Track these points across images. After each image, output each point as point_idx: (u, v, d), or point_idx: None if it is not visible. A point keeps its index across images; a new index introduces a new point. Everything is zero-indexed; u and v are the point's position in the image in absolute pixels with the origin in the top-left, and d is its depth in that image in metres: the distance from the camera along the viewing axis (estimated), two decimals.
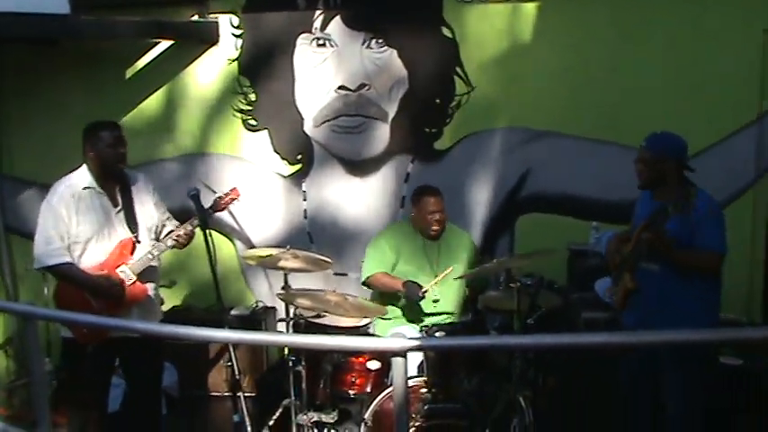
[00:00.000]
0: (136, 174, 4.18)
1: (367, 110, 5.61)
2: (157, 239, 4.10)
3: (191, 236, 4.03)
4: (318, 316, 4.36)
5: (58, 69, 5.82)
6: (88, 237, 3.89)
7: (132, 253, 3.95)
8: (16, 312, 3.53)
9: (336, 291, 4.24)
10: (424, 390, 3.84)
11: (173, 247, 4.01)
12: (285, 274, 4.22)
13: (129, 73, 5.87)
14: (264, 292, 5.92)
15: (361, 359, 4.21)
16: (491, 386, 4.08)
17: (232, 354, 4.00)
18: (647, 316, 3.70)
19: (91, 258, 3.91)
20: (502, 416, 3.89)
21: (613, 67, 5.26)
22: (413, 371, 4.05)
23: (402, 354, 2.48)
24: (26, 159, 5.94)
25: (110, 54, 5.79)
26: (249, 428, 4.04)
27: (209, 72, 5.81)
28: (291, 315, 4.21)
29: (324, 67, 5.64)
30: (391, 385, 3.24)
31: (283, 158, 5.82)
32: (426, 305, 4.56)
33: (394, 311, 4.61)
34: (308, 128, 5.73)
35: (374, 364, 4.19)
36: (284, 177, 5.84)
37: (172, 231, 4.06)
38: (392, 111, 5.60)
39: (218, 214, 5.71)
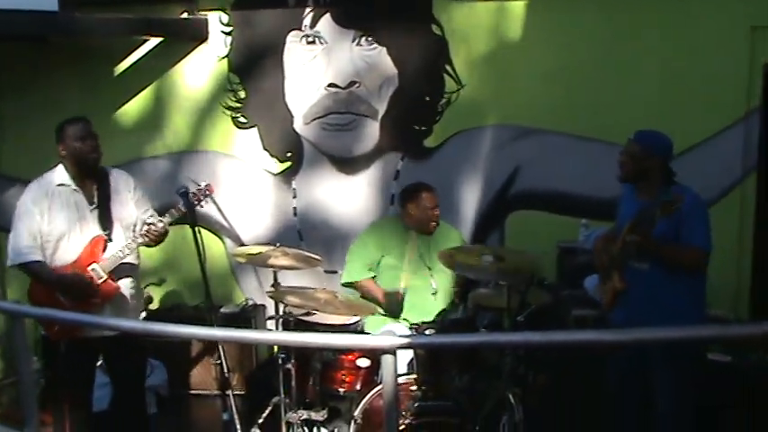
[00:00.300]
0: (116, 171, 4.13)
1: (357, 107, 5.61)
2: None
3: (160, 233, 3.94)
4: (308, 314, 4.36)
5: (48, 67, 5.79)
6: (60, 234, 3.86)
7: (104, 251, 3.89)
8: (3, 310, 3.50)
9: (326, 288, 4.24)
10: (414, 387, 3.84)
11: (143, 244, 3.94)
12: (275, 272, 4.21)
13: (119, 70, 5.85)
14: (254, 289, 5.91)
15: (350, 357, 4.21)
16: (481, 383, 4.08)
17: (221, 352, 3.99)
18: (635, 314, 3.71)
19: (64, 256, 3.88)
20: (492, 413, 3.89)
21: (602, 64, 5.28)
22: (403, 368, 4.06)
23: (392, 351, 2.48)
24: (16, 157, 5.90)
25: (99, 51, 5.76)
26: (238, 427, 4.03)
27: (199, 69, 5.80)
28: (281, 313, 4.21)
29: (314, 65, 5.64)
30: (381, 383, 3.24)
31: (273, 156, 5.81)
32: (426, 298, 4.58)
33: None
34: (298, 125, 5.73)
35: (364, 362, 4.19)
36: (274, 175, 5.83)
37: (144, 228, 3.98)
38: (382, 108, 5.60)
39: (207, 212, 5.79)
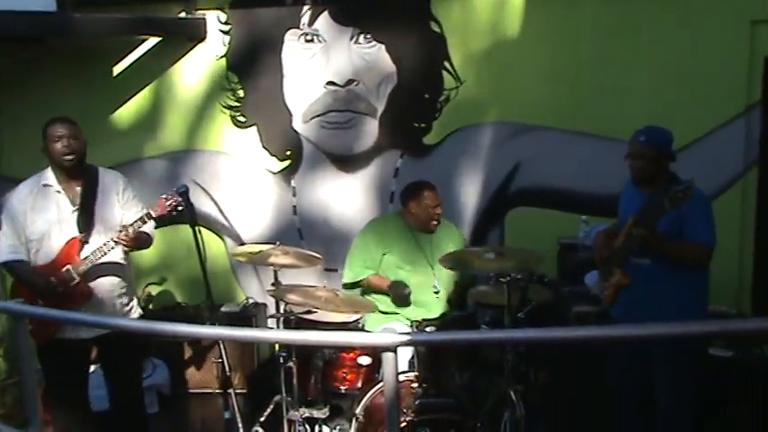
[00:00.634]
0: (107, 171, 4.09)
1: (356, 105, 5.61)
2: None
3: (134, 238, 3.84)
4: (309, 312, 4.36)
5: (46, 67, 5.79)
6: (41, 234, 3.85)
7: (79, 253, 3.85)
8: (5, 311, 3.50)
9: (327, 286, 4.24)
10: (416, 384, 3.84)
11: (116, 247, 3.85)
12: (275, 271, 4.20)
13: (117, 70, 5.84)
14: (255, 288, 5.92)
15: (351, 355, 4.21)
16: (482, 381, 4.09)
17: (223, 351, 3.99)
18: (638, 310, 3.70)
19: (44, 256, 3.87)
20: (493, 410, 3.90)
21: (602, 60, 5.27)
22: (404, 366, 4.06)
23: (392, 349, 2.48)
24: (15, 158, 5.90)
25: (97, 51, 5.75)
26: (240, 425, 4.04)
27: (197, 69, 5.79)
28: (282, 311, 4.21)
29: (312, 63, 5.63)
30: (382, 380, 3.24)
31: (272, 155, 5.81)
32: (429, 297, 4.58)
33: (387, 304, 4.62)
34: (297, 124, 5.73)
35: (365, 360, 4.19)
36: (273, 174, 5.83)
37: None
38: (381, 106, 5.60)
39: (207, 211, 5.79)
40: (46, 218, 3.86)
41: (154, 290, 5.85)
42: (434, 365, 3.87)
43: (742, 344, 4.37)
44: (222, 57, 5.75)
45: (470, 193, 5.58)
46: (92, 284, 3.90)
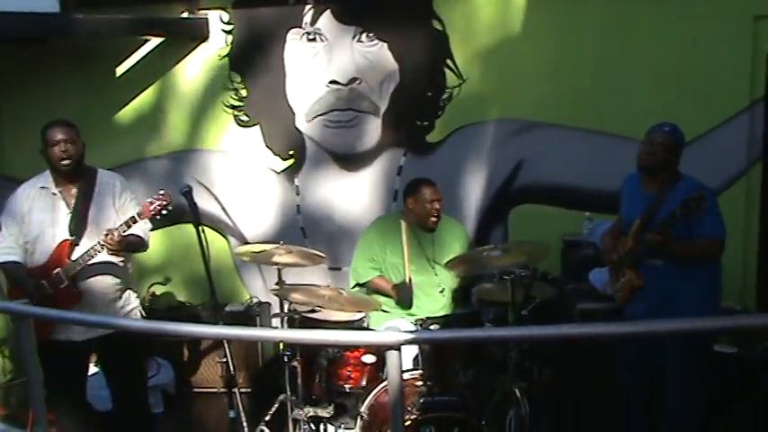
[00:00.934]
0: (105, 174, 4.08)
1: (358, 104, 5.61)
2: None
3: (119, 241, 3.78)
4: (313, 311, 4.36)
5: (48, 67, 5.80)
6: (35, 236, 3.86)
7: (69, 256, 3.85)
8: (10, 311, 3.50)
9: (330, 285, 4.24)
10: (420, 383, 3.84)
11: (102, 250, 3.80)
12: (279, 270, 4.21)
13: (120, 71, 5.85)
14: (258, 287, 5.92)
15: (356, 353, 4.20)
16: (486, 378, 4.08)
17: (227, 350, 3.99)
18: (653, 308, 3.71)
19: (38, 258, 3.88)
20: (498, 408, 3.90)
21: (604, 56, 5.26)
22: (408, 364, 4.06)
23: (396, 347, 2.48)
24: (16, 158, 5.91)
25: (100, 52, 5.76)
26: (245, 424, 4.04)
27: (200, 68, 5.80)
28: (286, 310, 4.21)
29: (315, 62, 5.63)
30: (386, 379, 3.24)
31: (275, 154, 5.81)
32: (432, 296, 4.58)
33: (392, 305, 4.63)
34: (300, 123, 5.73)
35: (369, 358, 4.18)
36: (277, 173, 5.83)
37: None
38: (384, 104, 5.60)
39: (211, 210, 5.79)
40: (41, 220, 3.87)
41: (158, 290, 5.86)
42: (438, 363, 3.86)
43: (746, 340, 4.37)
44: (225, 56, 5.75)
45: (474, 190, 5.58)
46: (83, 286, 3.89)
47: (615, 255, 3.87)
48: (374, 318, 4.62)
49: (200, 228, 3.79)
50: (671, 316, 3.58)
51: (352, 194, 5.74)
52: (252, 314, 5.51)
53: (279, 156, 5.81)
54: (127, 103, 5.87)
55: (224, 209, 5.90)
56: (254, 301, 5.69)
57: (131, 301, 4.17)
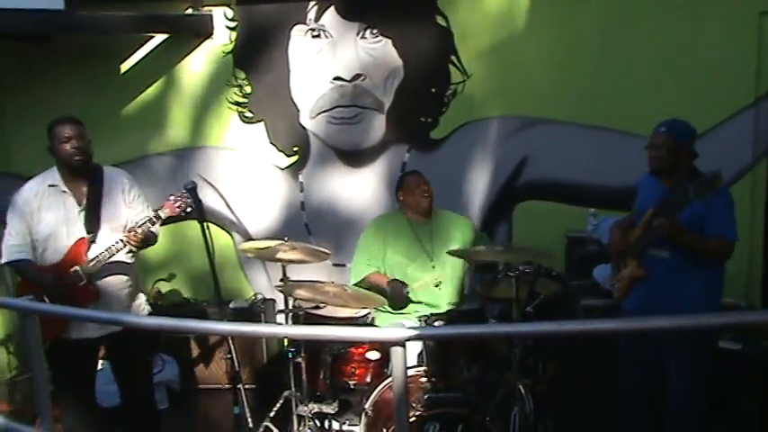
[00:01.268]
0: (112, 170, 4.08)
1: (362, 100, 5.61)
2: None
3: (143, 239, 3.84)
4: (317, 307, 4.35)
5: (53, 65, 5.80)
6: (48, 235, 3.84)
7: (86, 254, 3.84)
8: (15, 308, 3.51)
9: (335, 281, 4.23)
10: (424, 379, 3.84)
11: (124, 248, 3.84)
12: (283, 266, 4.20)
13: (124, 68, 5.86)
14: (263, 284, 5.93)
15: (360, 349, 4.20)
16: (491, 374, 4.08)
17: (231, 346, 4.00)
18: (651, 302, 3.69)
19: (51, 256, 3.86)
20: (502, 404, 3.90)
21: (609, 52, 5.26)
22: (413, 360, 4.06)
23: (401, 343, 2.48)
24: (21, 155, 5.92)
25: (104, 49, 5.77)
26: (250, 420, 4.05)
27: (204, 65, 5.80)
28: (290, 306, 4.21)
29: (319, 59, 5.63)
30: (391, 375, 3.24)
31: (280, 150, 5.81)
32: (429, 290, 4.57)
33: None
34: (304, 119, 5.73)
35: (374, 355, 4.19)
36: (281, 169, 5.84)
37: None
38: (388, 101, 5.60)
39: (215, 207, 5.80)
40: (53, 218, 3.85)
41: (162, 286, 5.87)
42: (443, 360, 3.86)
43: (751, 336, 4.36)
44: (229, 53, 5.75)
45: (478, 187, 5.58)
46: (99, 284, 3.89)
47: (622, 244, 3.83)
48: (380, 315, 4.61)
49: (204, 224, 3.80)
50: (673, 311, 3.56)
51: (356, 191, 5.74)
52: (256, 310, 5.51)
53: (283, 152, 5.81)
54: (131, 101, 5.88)
55: (228, 205, 5.91)
56: (259, 297, 5.70)
57: (141, 297, 4.19)
